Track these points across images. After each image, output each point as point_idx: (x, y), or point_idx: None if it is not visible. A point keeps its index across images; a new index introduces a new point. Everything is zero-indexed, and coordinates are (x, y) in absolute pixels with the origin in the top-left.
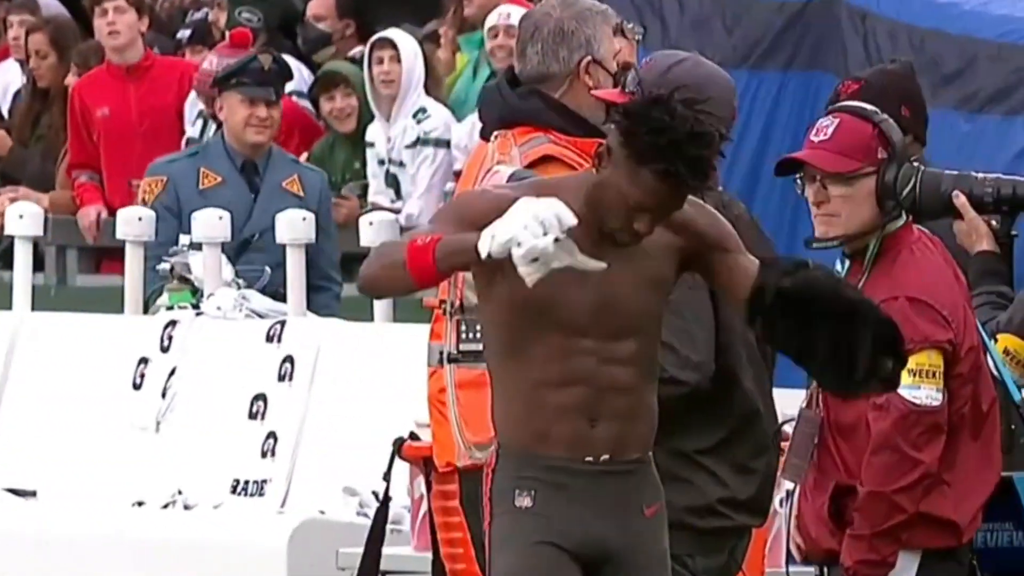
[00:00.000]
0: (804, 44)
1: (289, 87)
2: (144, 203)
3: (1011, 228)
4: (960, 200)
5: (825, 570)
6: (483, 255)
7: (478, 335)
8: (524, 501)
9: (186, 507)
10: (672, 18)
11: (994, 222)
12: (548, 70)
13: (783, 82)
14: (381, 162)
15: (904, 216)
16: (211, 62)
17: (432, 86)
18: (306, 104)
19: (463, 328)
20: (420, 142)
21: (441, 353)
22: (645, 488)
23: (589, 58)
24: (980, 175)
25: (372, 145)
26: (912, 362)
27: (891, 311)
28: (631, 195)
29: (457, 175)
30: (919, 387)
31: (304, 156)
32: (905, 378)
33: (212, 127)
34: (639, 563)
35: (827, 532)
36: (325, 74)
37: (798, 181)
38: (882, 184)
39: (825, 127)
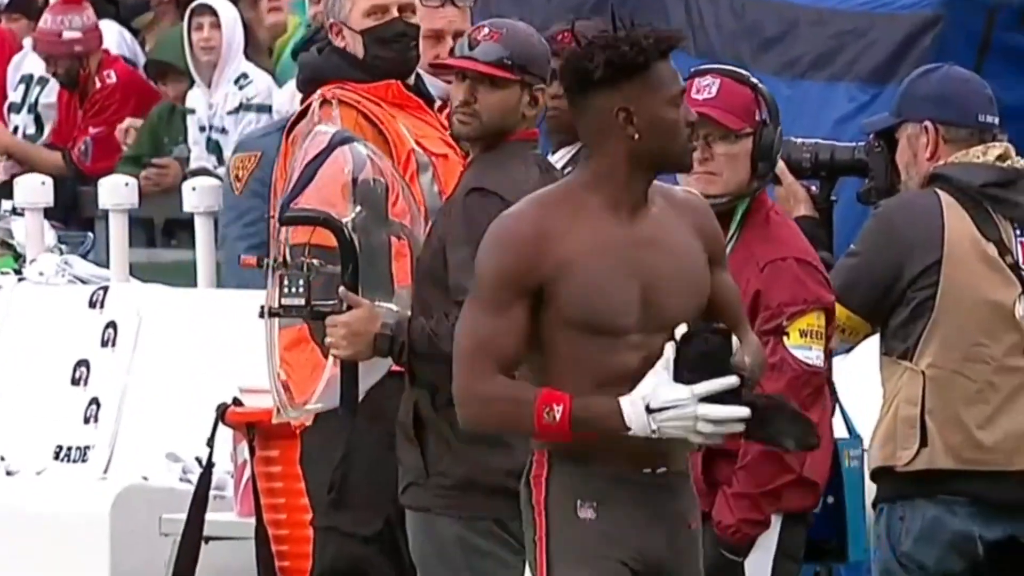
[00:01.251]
0: (625, 11)
1: (117, 52)
2: (238, 179)
3: (830, 194)
4: (779, 165)
5: None
6: (634, 433)
7: (300, 289)
8: (587, 513)
9: (8, 473)
10: None
11: (813, 187)
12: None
13: None
14: (202, 128)
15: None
16: (47, 20)
17: (254, 52)
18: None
19: (286, 282)
20: (242, 108)
21: (262, 307)
22: (691, 501)
23: (331, 20)
24: (799, 140)
25: (193, 112)
26: (803, 323)
27: (780, 271)
28: (667, 112)
29: None
30: (810, 348)
31: (140, 122)
32: (796, 339)
33: (36, 90)
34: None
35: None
36: (155, 63)
37: None
38: (760, 146)
39: (707, 86)
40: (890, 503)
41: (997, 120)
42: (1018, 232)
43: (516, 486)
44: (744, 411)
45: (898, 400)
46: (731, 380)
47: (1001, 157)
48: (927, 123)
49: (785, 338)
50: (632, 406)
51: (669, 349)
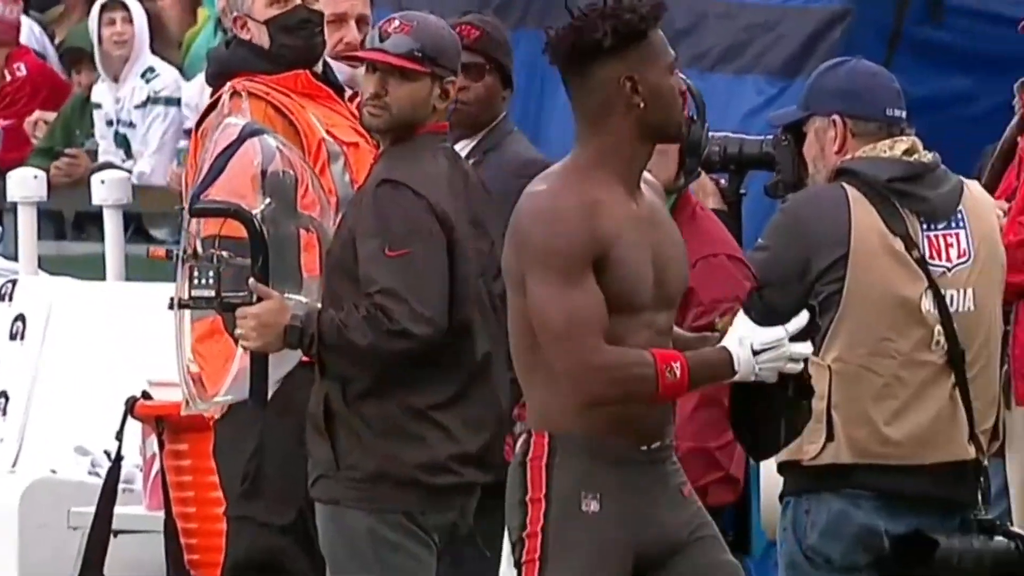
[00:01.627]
0: (535, 3)
1: (27, 44)
2: None
3: (739, 187)
4: None
5: None
6: (739, 377)
7: (210, 281)
8: (592, 505)
9: None
10: None
11: (723, 181)
12: (232, 23)
13: (514, 41)
14: (109, 123)
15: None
16: None
17: (163, 46)
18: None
19: (196, 274)
20: (150, 101)
21: (171, 299)
22: (679, 470)
23: (236, 14)
24: (708, 133)
25: (99, 107)
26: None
27: (712, 268)
28: (667, 79)
29: (188, 133)
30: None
31: (51, 115)
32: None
33: None
34: (697, 545)
35: None
36: (71, 50)
37: None
38: (688, 142)
39: None
40: (796, 497)
41: (905, 114)
42: (925, 226)
43: (427, 479)
44: (810, 347)
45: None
46: (804, 316)
47: (908, 151)
48: (835, 117)
49: (714, 333)
50: (742, 349)
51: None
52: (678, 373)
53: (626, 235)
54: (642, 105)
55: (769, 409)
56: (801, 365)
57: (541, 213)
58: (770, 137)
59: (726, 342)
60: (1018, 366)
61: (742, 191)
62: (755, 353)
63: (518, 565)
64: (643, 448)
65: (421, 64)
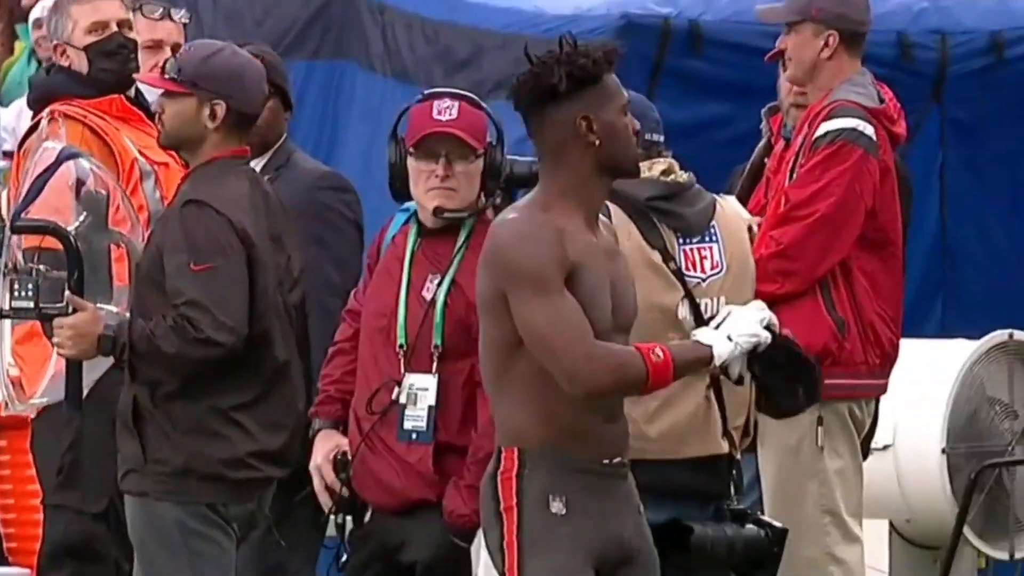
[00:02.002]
0: (329, 35)
1: None
2: None
3: (511, 203)
4: None
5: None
6: (719, 363)
7: (29, 293)
8: (558, 507)
9: None
10: (206, 12)
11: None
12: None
13: (309, 70)
14: None
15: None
16: None
17: None
18: None
19: (16, 286)
20: None
21: None
22: (634, 488)
23: (55, 42)
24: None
25: None
26: None
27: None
28: (620, 119)
29: (7, 155)
30: None
31: None
32: None
33: None
34: (650, 558)
35: (421, 483)
36: None
37: (411, 152)
38: (490, 166)
39: (447, 108)
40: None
41: (663, 138)
42: (681, 241)
43: (231, 474)
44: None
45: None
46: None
47: (665, 172)
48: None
49: None
50: (715, 333)
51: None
52: (661, 355)
53: (588, 262)
54: (598, 143)
55: (783, 380)
56: (767, 334)
57: (517, 237)
58: (527, 162)
59: (704, 333)
60: None
61: None
62: (732, 339)
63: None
64: (604, 462)
65: (179, 85)
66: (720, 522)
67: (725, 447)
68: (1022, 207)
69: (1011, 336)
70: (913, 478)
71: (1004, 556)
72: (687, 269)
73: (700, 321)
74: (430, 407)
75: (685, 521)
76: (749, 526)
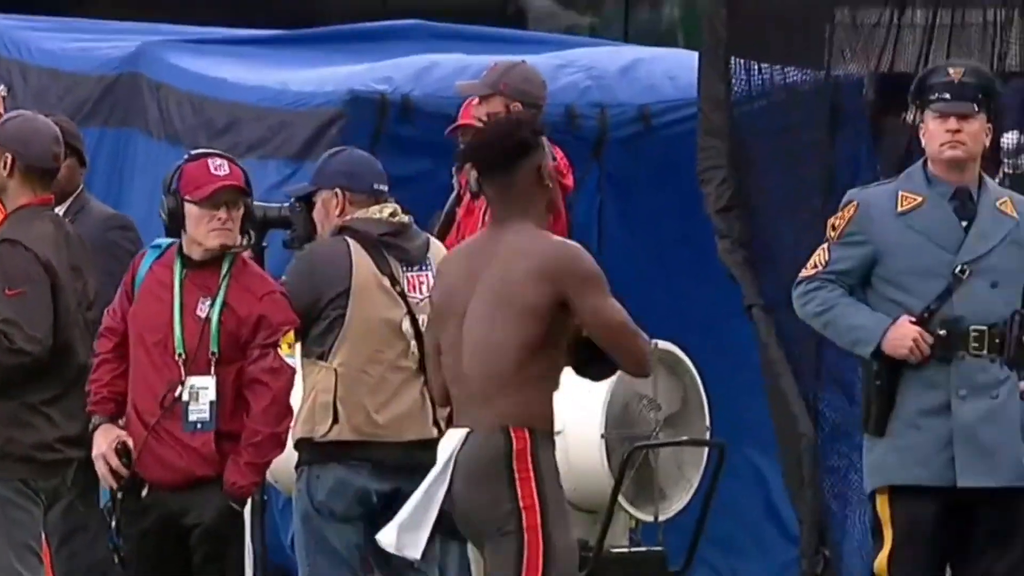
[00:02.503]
0: (117, 108)
1: None
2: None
3: (261, 241)
4: None
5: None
6: None
7: None
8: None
9: None
10: (19, 88)
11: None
12: None
13: (101, 136)
14: None
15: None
16: None
17: None
18: None
19: None
20: None
21: None
22: None
23: None
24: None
25: None
26: (289, 337)
27: (275, 300)
28: (548, 168)
29: None
30: (292, 355)
31: None
32: (285, 349)
33: None
34: None
35: (203, 462)
36: None
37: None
38: (249, 211)
39: (220, 166)
40: (309, 465)
41: (387, 188)
42: (404, 269)
43: (40, 456)
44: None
45: (316, 390)
46: None
47: (392, 214)
48: (337, 190)
49: (279, 348)
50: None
51: None
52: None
53: None
54: (549, 184)
55: (595, 358)
56: None
57: (578, 250)
58: (287, 204)
59: None
60: None
61: (264, 244)
62: None
63: (510, 532)
64: None
65: None
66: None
67: (435, 433)
68: (666, 248)
69: (656, 345)
70: (579, 457)
71: (650, 519)
72: (409, 291)
73: (418, 333)
74: (211, 402)
75: (405, 490)
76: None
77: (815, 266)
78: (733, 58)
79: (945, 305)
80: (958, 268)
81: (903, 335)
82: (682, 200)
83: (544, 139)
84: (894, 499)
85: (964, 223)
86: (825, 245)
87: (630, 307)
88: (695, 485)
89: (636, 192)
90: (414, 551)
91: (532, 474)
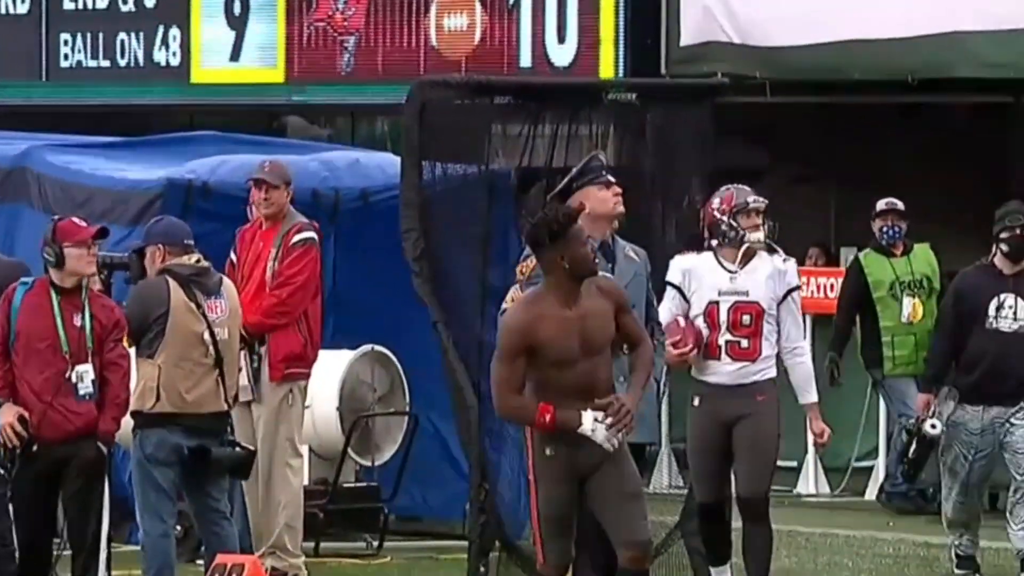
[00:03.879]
0: (9, 189)
1: None
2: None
3: (110, 279)
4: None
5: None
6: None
7: None
8: (549, 452)
9: None
10: None
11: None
12: None
13: (1, 209)
14: None
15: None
16: None
17: None
18: None
19: None
20: None
21: None
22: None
23: None
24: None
25: None
26: (127, 339)
27: (117, 313)
28: (581, 250)
29: None
30: (130, 348)
31: None
32: (126, 343)
33: None
34: (615, 458)
35: (87, 423)
36: None
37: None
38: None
39: (81, 221)
40: (141, 428)
41: (193, 243)
42: (205, 297)
43: None
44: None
45: (145, 377)
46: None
47: (197, 261)
48: (159, 245)
49: (123, 343)
50: (587, 420)
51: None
52: (548, 420)
53: (551, 333)
54: (567, 267)
55: None
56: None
57: (503, 321)
58: (126, 255)
59: (586, 413)
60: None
61: (111, 282)
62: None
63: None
64: (575, 434)
65: None
66: (223, 446)
67: (225, 407)
68: (382, 283)
69: (373, 348)
70: (322, 423)
71: (369, 464)
72: (209, 313)
73: (214, 340)
74: (93, 380)
75: (207, 446)
76: (237, 449)
77: (512, 300)
78: (423, 159)
79: None
80: None
81: None
82: (391, 251)
83: (572, 231)
84: None
85: (610, 265)
86: (516, 286)
87: (357, 325)
88: (399, 441)
89: (361, 246)
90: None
91: (530, 447)
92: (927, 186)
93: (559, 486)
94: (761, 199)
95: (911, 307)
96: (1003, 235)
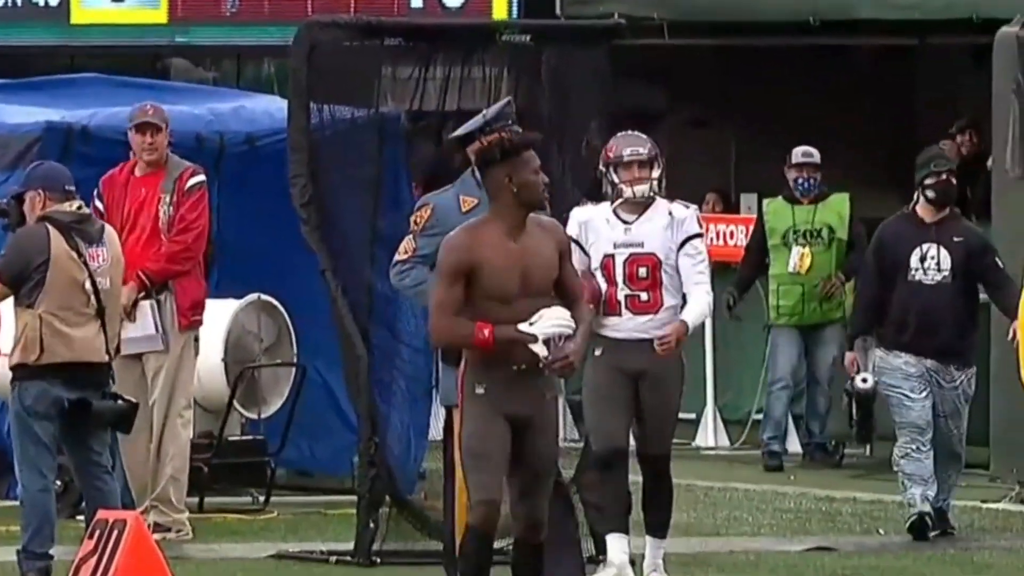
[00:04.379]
0: None
1: None
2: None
3: None
4: None
5: None
6: (533, 343)
7: None
8: (480, 390)
9: None
10: None
11: None
12: None
13: None
14: None
15: None
16: None
17: None
18: None
19: None
20: None
21: None
22: (544, 382)
23: None
24: None
25: None
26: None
27: (4, 261)
28: (531, 177)
29: None
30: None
31: None
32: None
33: None
34: (543, 424)
35: None
36: None
37: None
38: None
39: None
40: (20, 380)
41: (74, 188)
42: (87, 245)
43: None
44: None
45: (27, 328)
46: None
47: (79, 207)
48: (40, 190)
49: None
50: (525, 327)
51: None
52: (487, 334)
53: (493, 262)
54: (515, 191)
55: None
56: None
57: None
58: (3, 200)
59: (520, 327)
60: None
61: None
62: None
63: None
64: (513, 368)
65: None
66: (104, 399)
67: (107, 358)
68: (267, 229)
69: (259, 297)
70: (206, 374)
71: (255, 417)
72: (91, 260)
73: (96, 290)
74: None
75: (88, 398)
76: (119, 402)
77: (406, 251)
78: (311, 102)
79: None
80: None
81: None
82: (278, 197)
83: (524, 155)
84: None
85: None
86: (410, 236)
87: (243, 271)
88: (286, 393)
89: (246, 192)
90: None
91: (462, 385)
92: (832, 131)
93: (487, 423)
94: (641, 150)
95: (799, 256)
96: (928, 180)
